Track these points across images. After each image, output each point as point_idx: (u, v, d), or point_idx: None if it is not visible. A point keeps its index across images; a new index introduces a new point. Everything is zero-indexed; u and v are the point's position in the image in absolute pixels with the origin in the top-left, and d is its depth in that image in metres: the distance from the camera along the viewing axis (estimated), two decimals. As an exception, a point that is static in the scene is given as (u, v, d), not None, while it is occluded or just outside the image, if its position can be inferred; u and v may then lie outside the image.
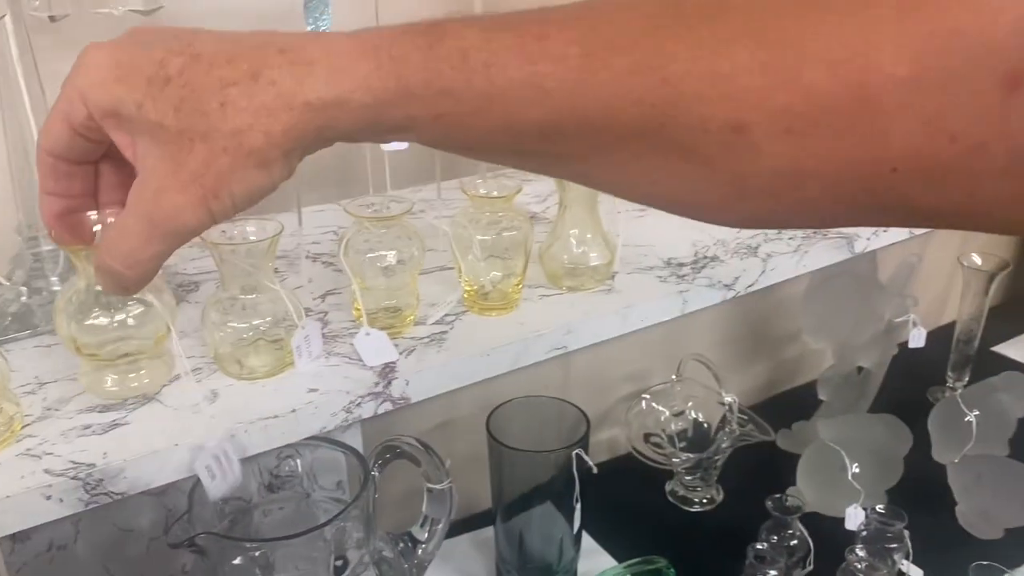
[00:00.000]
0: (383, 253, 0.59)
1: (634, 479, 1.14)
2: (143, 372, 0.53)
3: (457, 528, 1.05)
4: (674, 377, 1.13)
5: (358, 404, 0.56)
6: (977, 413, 1.10)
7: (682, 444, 1.11)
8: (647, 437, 1.12)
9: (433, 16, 0.33)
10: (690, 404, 1.13)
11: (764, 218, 0.34)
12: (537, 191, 0.84)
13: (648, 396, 1.13)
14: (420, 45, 0.31)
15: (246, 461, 0.73)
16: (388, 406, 0.57)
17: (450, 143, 0.34)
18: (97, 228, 0.40)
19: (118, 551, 0.80)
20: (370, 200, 0.62)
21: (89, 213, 0.40)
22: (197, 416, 0.52)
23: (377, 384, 0.56)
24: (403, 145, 0.66)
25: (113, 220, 0.36)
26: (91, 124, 0.34)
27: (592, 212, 0.66)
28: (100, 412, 0.52)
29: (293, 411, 0.53)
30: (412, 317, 0.61)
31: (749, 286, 0.71)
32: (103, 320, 0.51)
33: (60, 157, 0.37)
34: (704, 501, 1.13)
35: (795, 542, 1.00)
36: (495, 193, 0.61)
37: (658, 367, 1.20)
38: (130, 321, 0.51)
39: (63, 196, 0.38)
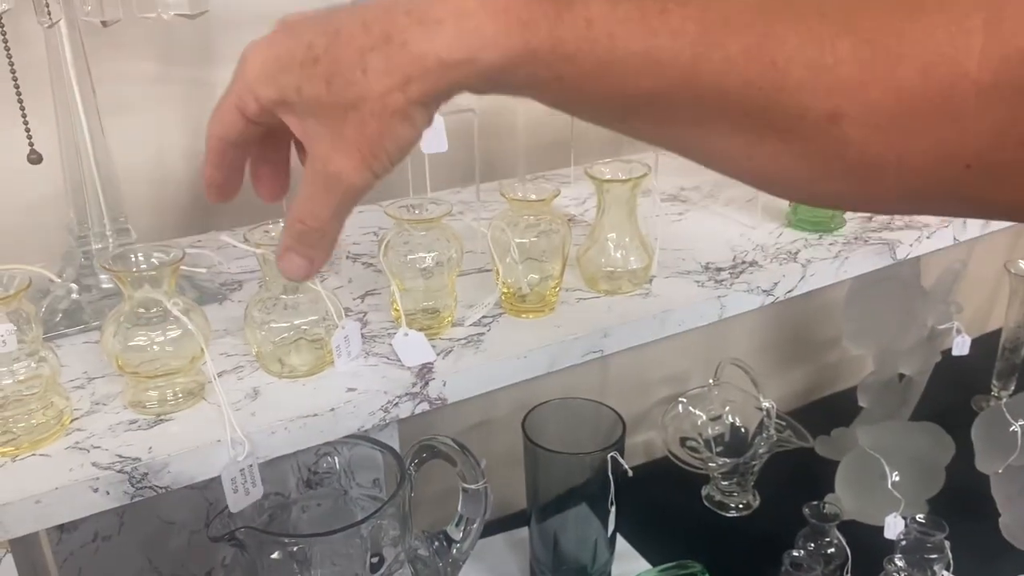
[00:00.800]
0: (422, 255, 0.59)
1: (670, 483, 1.14)
2: (179, 390, 0.54)
3: (492, 528, 1.05)
4: (711, 381, 1.13)
5: (395, 404, 0.56)
6: (1023, 423, 1.08)
7: (719, 449, 1.10)
8: (683, 441, 1.11)
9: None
10: (727, 408, 1.12)
11: (843, 200, 0.37)
12: (576, 194, 0.84)
13: (685, 400, 1.12)
14: (548, 12, 0.32)
15: (285, 457, 0.75)
16: (425, 406, 0.58)
17: (566, 104, 0.36)
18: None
19: (160, 543, 0.82)
20: (410, 202, 0.62)
21: None
22: (239, 413, 0.53)
23: (415, 384, 0.57)
24: (443, 147, 0.67)
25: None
26: (263, 113, 0.37)
27: (630, 216, 0.66)
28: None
29: (332, 410, 0.54)
30: (450, 319, 0.62)
31: (788, 292, 0.70)
32: (143, 341, 0.52)
33: (228, 142, 0.40)
34: (740, 506, 1.12)
35: (832, 550, 0.98)
36: (533, 196, 0.62)
37: (696, 371, 1.20)
38: (168, 347, 0.53)
39: (225, 168, 0.41)
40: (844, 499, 1.07)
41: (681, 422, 1.12)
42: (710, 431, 1.11)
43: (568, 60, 0.32)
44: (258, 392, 0.56)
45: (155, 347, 0.53)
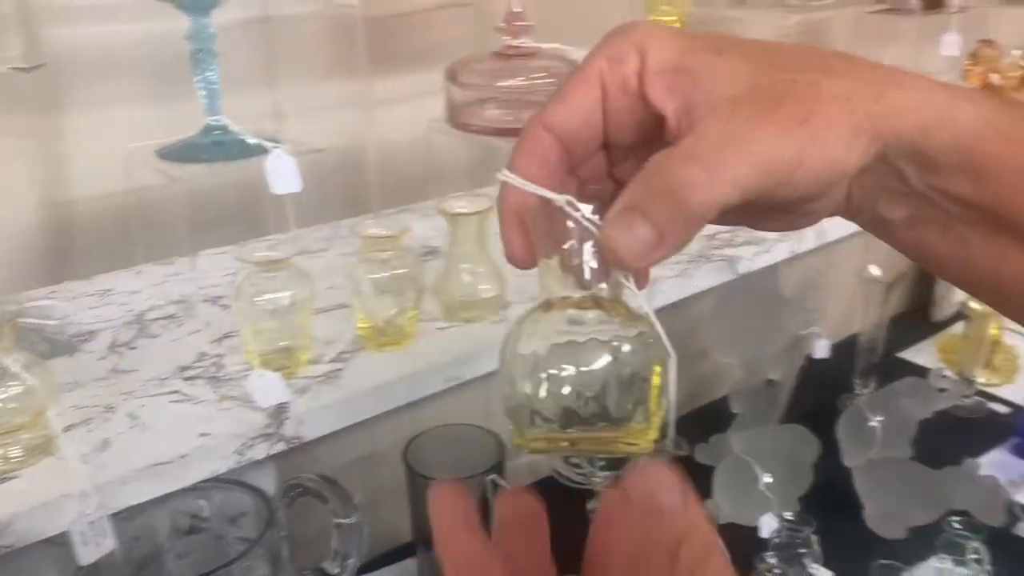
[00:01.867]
0: (273, 296, 0.60)
1: (557, 501, 1.15)
2: (24, 446, 0.54)
3: (381, 561, 1.06)
4: (591, 398, 1.16)
5: (250, 446, 0.57)
6: (880, 418, 1.15)
7: (602, 463, 1.13)
8: (567, 458, 1.14)
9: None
10: (608, 424, 1.15)
11: None
12: (439, 226, 0.86)
13: (568, 418, 1.15)
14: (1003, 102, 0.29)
15: (156, 505, 0.74)
16: (282, 446, 0.58)
17: (995, 210, 0.29)
18: None
19: (26, 604, 0.79)
20: (269, 240, 0.63)
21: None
22: (88, 466, 0.53)
23: (268, 425, 0.57)
24: (296, 187, 0.67)
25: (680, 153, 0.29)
26: (631, 82, 0.31)
27: (482, 247, 0.68)
28: (-10, 466, 0.53)
29: (183, 456, 0.54)
30: (307, 356, 0.63)
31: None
32: None
33: (559, 135, 0.32)
34: (625, 518, 1.15)
35: (711, 553, 1.03)
36: (385, 232, 0.63)
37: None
38: (11, 404, 0.52)
39: (560, 172, 0.32)
40: (721, 503, 1.11)
41: (565, 440, 1.15)
42: (593, 447, 1.14)
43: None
44: (108, 443, 0.55)
45: (-4, 405, 0.52)
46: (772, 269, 1.14)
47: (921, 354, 1.45)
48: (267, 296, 0.60)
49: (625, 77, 0.31)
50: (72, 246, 0.79)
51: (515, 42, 0.75)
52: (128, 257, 0.76)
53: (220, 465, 0.56)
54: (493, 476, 0.92)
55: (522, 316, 0.33)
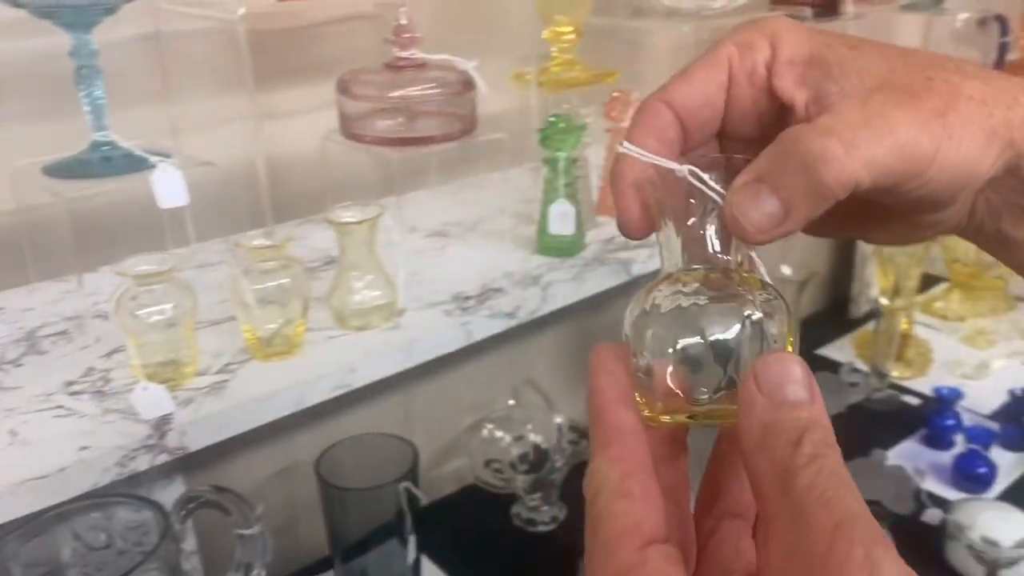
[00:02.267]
0: (153, 309, 0.61)
1: (482, 507, 1.18)
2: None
3: (302, 574, 1.06)
4: (511, 403, 1.18)
5: (132, 458, 0.57)
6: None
7: (524, 467, 1.15)
8: (488, 463, 1.15)
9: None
10: (529, 427, 1.17)
11: None
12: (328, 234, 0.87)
13: (490, 424, 1.17)
14: None
15: (58, 522, 0.74)
16: (165, 457, 0.59)
17: None
18: None
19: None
20: (158, 254, 0.63)
21: None
22: (-38, 484, 0.53)
23: (150, 437, 0.58)
24: (183, 200, 0.68)
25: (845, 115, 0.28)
26: (759, 71, 0.31)
27: (371, 255, 0.69)
28: None
29: (62, 470, 0.55)
30: (192, 369, 0.63)
31: (532, 313, 0.75)
32: None
33: (682, 114, 0.32)
34: (548, 520, 1.17)
35: (629, 552, 1.04)
36: (267, 242, 0.64)
37: (500, 394, 1.24)
38: None
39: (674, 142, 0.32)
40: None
41: (487, 446, 1.17)
42: (515, 451, 1.15)
43: None
44: (-17, 459, 0.55)
45: None
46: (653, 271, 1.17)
47: (839, 350, 1.49)
48: (147, 309, 0.60)
49: (754, 65, 0.31)
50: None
51: (404, 54, 0.76)
52: (22, 275, 0.76)
53: (101, 478, 0.56)
54: (406, 484, 0.93)
55: (644, 289, 0.32)
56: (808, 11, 1.05)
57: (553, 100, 0.91)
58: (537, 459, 1.16)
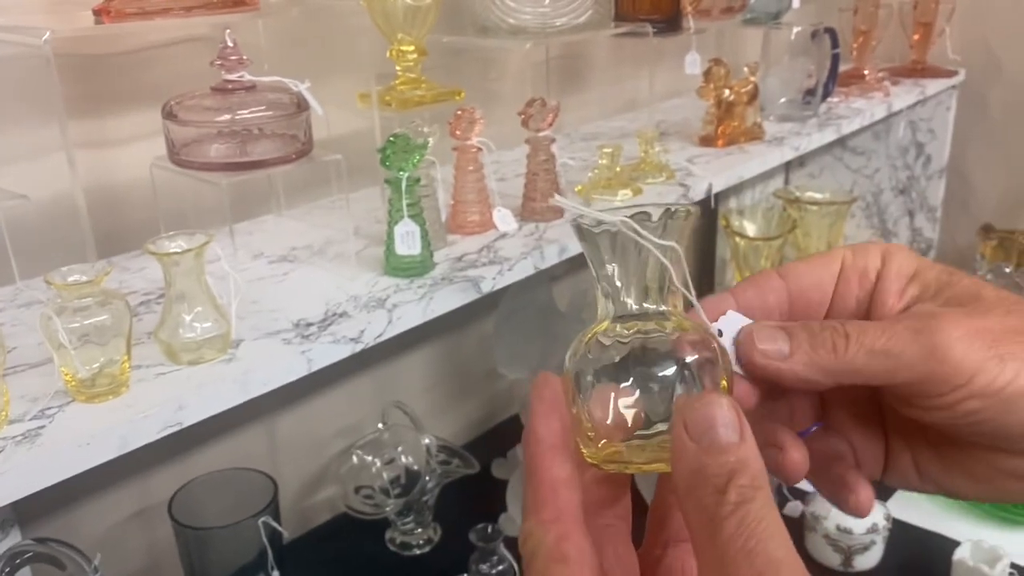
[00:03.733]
0: (-46, 356, 0.56)
1: (356, 534, 1.15)
2: None
3: (162, 620, 1.01)
4: (380, 426, 1.16)
5: (-70, 518, 0.53)
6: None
7: (397, 491, 1.13)
8: (358, 490, 1.13)
9: None
10: (400, 449, 1.15)
11: None
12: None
13: (359, 450, 1.15)
14: None
15: None
16: (-30, 514, 0.55)
17: None
18: None
19: None
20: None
21: None
22: None
23: (-49, 494, 0.54)
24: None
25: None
26: (869, 277, 0.35)
27: (200, 285, 0.67)
28: None
29: None
30: (3, 416, 0.59)
31: (377, 337, 0.74)
32: None
33: (793, 289, 0.36)
34: (422, 543, 1.15)
35: (502, 567, 1.04)
36: (83, 278, 0.61)
37: (369, 418, 1.22)
38: None
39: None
40: (516, 515, 1.13)
41: (358, 472, 1.14)
42: (386, 475, 1.14)
43: None
44: None
45: None
46: (542, 286, 1.19)
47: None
48: (-53, 357, 0.56)
49: (866, 269, 0.35)
50: None
51: (232, 76, 0.74)
52: None
53: None
54: (265, 519, 0.90)
55: (584, 332, 0.33)
56: (649, 27, 1.08)
57: (399, 119, 0.90)
58: (409, 482, 1.14)
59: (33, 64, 0.71)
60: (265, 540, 0.90)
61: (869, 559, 1.09)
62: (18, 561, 0.67)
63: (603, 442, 0.31)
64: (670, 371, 0.31)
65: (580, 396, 0.31)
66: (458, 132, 0.90)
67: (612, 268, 0.32)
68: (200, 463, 1.06)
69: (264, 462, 1.11)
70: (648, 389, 0.31)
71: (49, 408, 0.62)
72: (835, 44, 1.33)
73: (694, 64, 1.23)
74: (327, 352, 0.71)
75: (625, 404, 0.31)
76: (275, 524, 0.91)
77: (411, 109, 0.92)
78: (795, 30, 1.30)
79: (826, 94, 1.37)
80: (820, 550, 1.10)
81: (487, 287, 0.82)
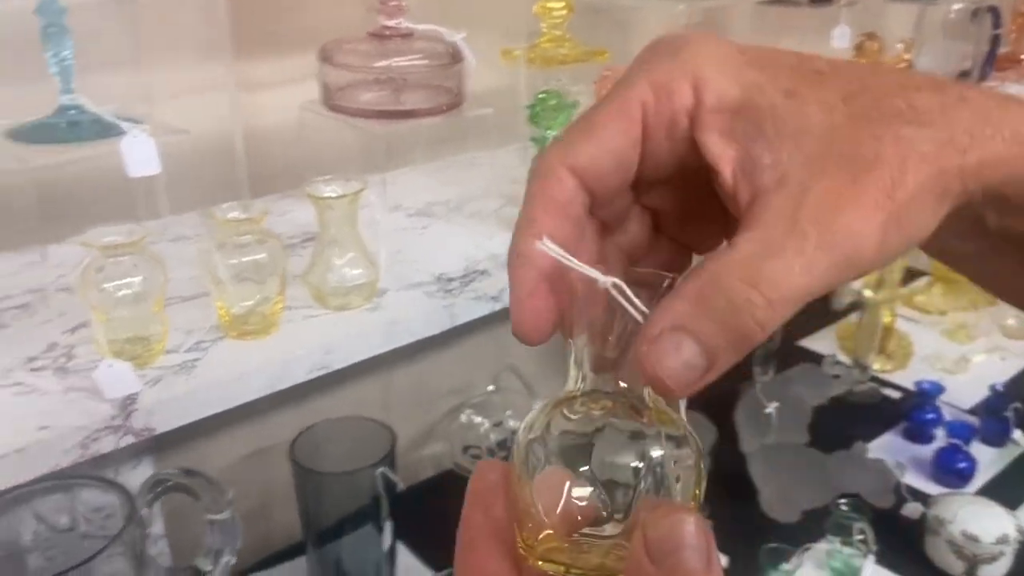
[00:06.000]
0: (122, 282, 0.57)
1: (459, 492, 1.15)
2: None
3: (272, 560, 1.03)
4: (491, 388, 1.15)
5: (95, 439, 0.54)
6: (776, 404, 1.17)
7: (502, 453, 1.12)
8: (466, 449, 1.13)
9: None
10: (508, 413, 1.15)
11: None
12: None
13: (469, 409, 1.14)
14: None
15: (20, 503, 0.71)
16: (131, 439, 0.56)
17: None
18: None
19: None
20: (127, 226, 0.60)
21: None
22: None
23: (115, 418, 0.55)
24: (155, 169, 0.65)
25: (746, 243, 0.24)
26: (681, 121, 0.26)
27: (352, 231, 0.67)
28: None
29: (20, 450, 0.51)
30: (161, 346, 0.60)
31: (517, 296, 0.73)
32: None
33: (589, 179, 0.27)
34: (526, 508, 1.15)
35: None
36: (243, 215, 0.61)
37: (480, 379, 1.22)
38: None
39: (567, 224, 0.27)
40: (621, 491, 1.12)
41: (466, 431, 1.14)
42: (493, 437, 1.13)
43: None
44: (-64, 437, 0.52)
45: None
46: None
47: (820, 342, 1.48)
48: (115, 283, 0.57)
49: (674, 115, 0.26)
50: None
51: (391, 23, 0.73)
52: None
53: (62, 460, 0.53)
54: (383, 469, 0.90)
55: (541, 408, 0.28)
56: (804, -3, 1.03)
57: (542, 78, 0.88)
58: (516, 446, 1.14)
59: (195, 3, 0.71)
60: (381, 490, 0.91)
61: (995, 571, 1.04)
62: (159, 489, 0.69)
63: (545, 533, 0.26)
64: (636, 465, 0.26)
65: (527, 474, 0.27)
66: (604, 93, 0.87)
67: (587, 335, 0.27)
68: (316, 408, 1.07)
69: (377, 413, 1.12)
70: (608, 482, 0.26)
71: (203, 342, 0.63)
72: (997, 24, 1.24)
73: (843, 37, 1.17)
74: (469, 308, 0.70)
75: (578, 494, 0.26)
76: (392, 475, 0.91)
77: (554, 67, 0.90)
78: (955, 7, 1.23)
79: (982, 77, 1.29)
80: (942, 556, 1.05)
81: None
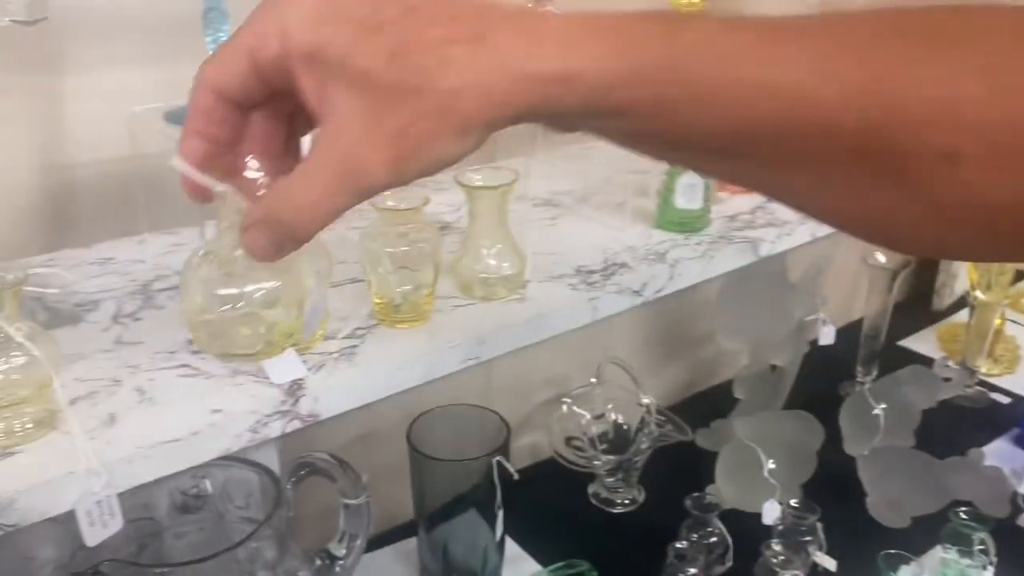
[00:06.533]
0: (288, 268, 0.57)
1: (557, 483, 1.15)
2: (27, 420, 0.51)
3: (380, 540, 1.04)
4: (593, 380, 1.14)
5: (264, 424, 0.54)
6: (884, 406, 1.14)
7: (603, 446, 1.12)
8: (569, 441, 1.12)
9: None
10: (610, 407, 1.14)
11: (945, 247, 0.35)
12: (451, 200, 0.84)
13: (569, 400, 1.14)
14: (658, 32, 0.31)
15: (157, 481, 0.72)
16: (297, 424, 0.56)
17: (655, 135, 0.33)
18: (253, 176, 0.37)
19: (19, 582, 0.77)
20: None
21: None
22: (94, 442, 0.50)
23: (284, 402, 0.55)
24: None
25: (290, 173, 0.34)
26: (278, 64, 0.33)
27: (502, 222, 0.66)
28: (-10, 440, 0.50)
29: (195, 434, 0.52)
30: (321, 332, 0.60)
31: (657, 291, 0.72)
32: None
33: (223, 96, 0.35)
34: (626, 502, 1.14)
35: (714, 539, 1.02)
36: (403, 205, 0.61)
37: (578, 371, 1.21)
38: (13, 375, 0.49)
39: (209, 140, 0.36)
40: (724, 489, 1.10)
41: (566, 422, 1.14)
42: (594, 429, 1.13)
43: (676, 83, 0.30)
44: (115, 418, 0.53)
45: (-1, 377, 0.49)
46: (780, 253, 1.13)
47: (921, 342, 1.44)
48: (282, 268, 0.57)
49: (271, 57, 0.33)
50: (71, 212, 0.76)
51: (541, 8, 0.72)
52: (131, 225, 0.73)
53: (233, 443, 0.54)
54: (499, 458, 0.90)
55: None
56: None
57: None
58: (617, 439, 1.13)
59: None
60: (496, 479, 0.91)
61: (1119, 587, 1.00)
62: (303, 472, 0.70)
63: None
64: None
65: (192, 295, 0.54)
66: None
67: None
68: (419, 393, 1.07)
69: (477, 400, 1.12)
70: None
71: (359, 329, 0.63)
72: None
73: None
74: (612, 302, 0.69)
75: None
76: (508, 465, 0.91)
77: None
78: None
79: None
80: (1062, 569, 1.02)
81: (765, 251, 0.79)
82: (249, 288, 0.52)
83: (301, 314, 0.54)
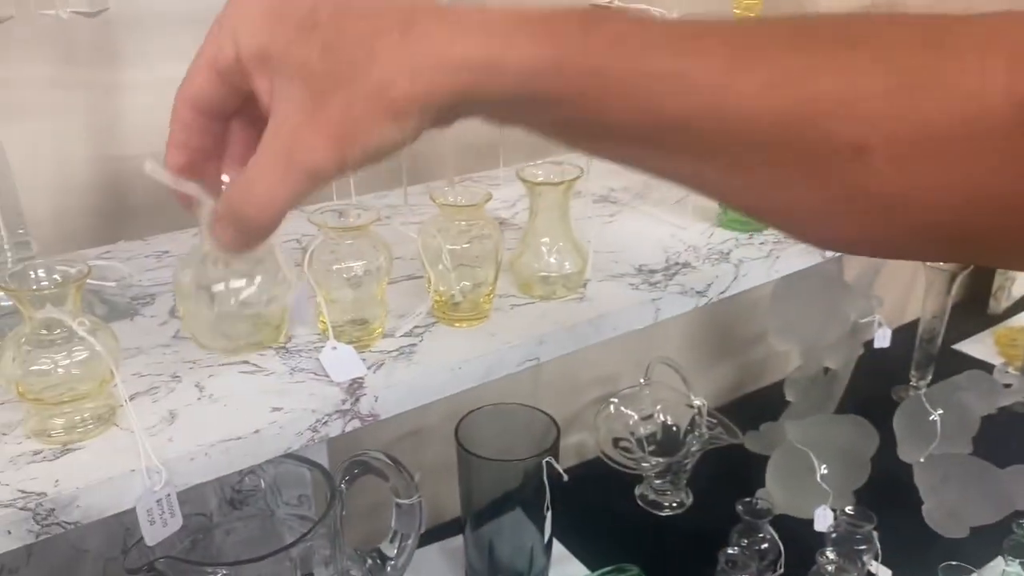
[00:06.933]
0: (349, 264, 0.56)
1: (604, 484, 1.13)
2: (87, 416, 0.50)
3: (426, 538, 1.03)
4: (642, 380, 1.13)
5: (325, 423, 0.53)
6: (941, 412, 1.11)
7: (651, 448, 1.10)
8: (616, 441, 1.11)
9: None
10: (659, 407, 1.12)
11: (857, 240, 0.36)
12: (506, 196, 0.82)
13: (617, 400, 1.12)
14: (579, 24, 0.32)
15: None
16: (356, 423, 0.55)
17: (580, 126, 0.34)
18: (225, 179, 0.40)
19: (73, 574, 0.77)
20: (335, 207, 0.59)
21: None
22: (154, 439, 0.50)
23: (344, 401, 0.54)
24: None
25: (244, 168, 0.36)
26: (236, 68, 0.35)
27: (563, 219, 0.64)
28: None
29: (256, 432, 0.51)
30: (380, 330, 0.59)
31: (722, 292, 0.70)
32: (46, 365, 0.48)
33: (199, 109, 0.37)
34: (674, 505, 1.12)
35: (766, 545, 0.99)
36: (464, 201, 0.59)
37: (626, 371, 1.20)
38: (75, 371, 0.49)
39: (190, 150, 0.38)
40: (774, 493, 1.08)
41: (613, 422, 1.12)
42: (642, 430, 1.11)
43: (596, 73, 0.31)
44: (175, 415, 0.52)
45: (60, 371, 0.49)
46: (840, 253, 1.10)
47: (977, 346, 1.40)
48: (343, 264, 0.56)
49: (229, 64, 0.35)
50: (127, 204, 0.75)
51: (602, 1, 0.70)
52: (187, 218, 0.72)
53: (294, 442, 0.53)
54: (549, 459, 0.89)
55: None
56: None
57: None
58: (665, 440, 1.11)
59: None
60: (545, 479, 0.89)
61: None
62: (357, 471, 0.69)
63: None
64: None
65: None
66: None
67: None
68: (468, 391, 1.06)
69: (525, 399, 1.10)
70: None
71: (417, 327, 0.61)
72: None
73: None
74: (674, 303, 0.68)
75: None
76: (557, 465, 0.89)
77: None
78: None
79: None
80: None
81: (830, 251, 0.76)
82: (231, 284, 0.55)
83: (284, 307, 0.57)
